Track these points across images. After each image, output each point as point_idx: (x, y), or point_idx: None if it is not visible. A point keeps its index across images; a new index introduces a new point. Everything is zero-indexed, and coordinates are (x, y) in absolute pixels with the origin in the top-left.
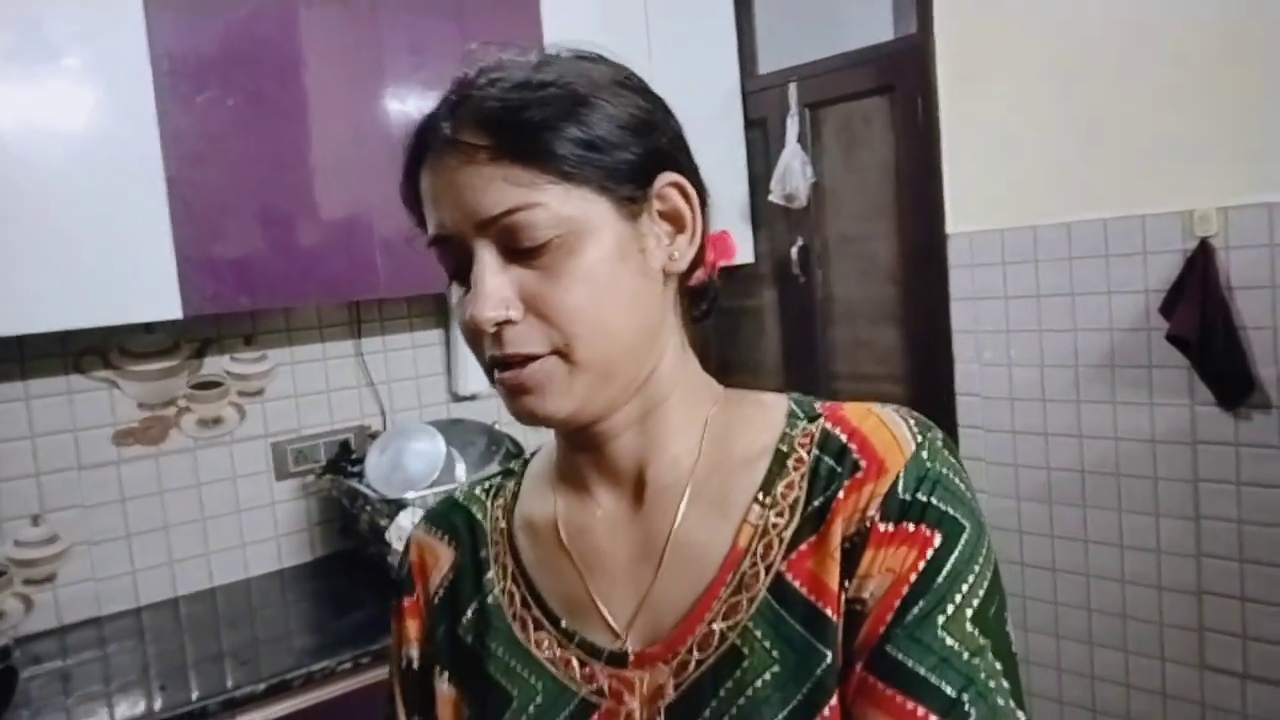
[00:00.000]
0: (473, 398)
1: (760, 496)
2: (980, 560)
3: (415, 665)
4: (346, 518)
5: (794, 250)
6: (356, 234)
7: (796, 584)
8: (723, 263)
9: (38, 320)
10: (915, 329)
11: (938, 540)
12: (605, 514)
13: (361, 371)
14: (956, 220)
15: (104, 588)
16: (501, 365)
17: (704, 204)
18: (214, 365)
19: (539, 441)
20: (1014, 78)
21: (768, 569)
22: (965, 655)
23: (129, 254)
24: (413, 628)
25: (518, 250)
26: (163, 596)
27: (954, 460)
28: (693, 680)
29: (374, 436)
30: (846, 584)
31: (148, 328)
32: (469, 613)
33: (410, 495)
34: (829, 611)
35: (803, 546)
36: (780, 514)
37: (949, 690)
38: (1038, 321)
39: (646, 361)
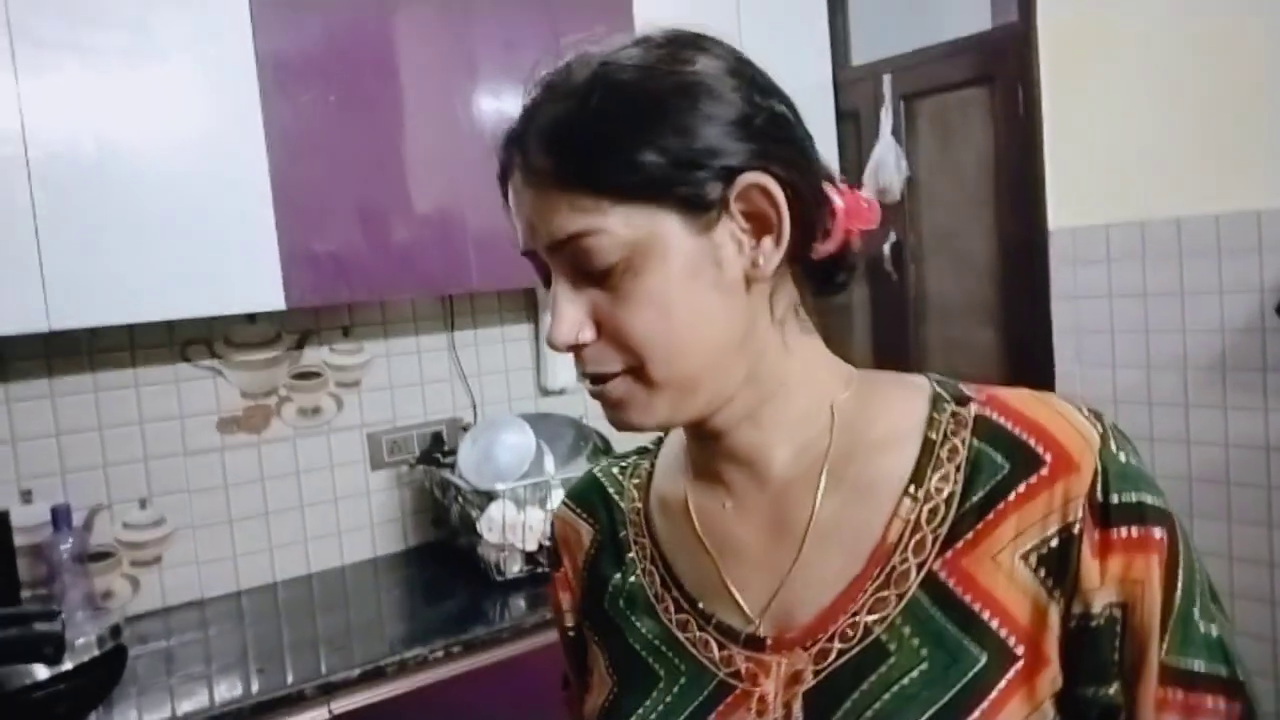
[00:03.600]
0: (561, 392)
1: (911, 489)
2: (1191, 541)
3: (572, 634)
4: (438, 508)
5: (886, 246)
6: (450, 229)
7: (951, 583)
8: (861, 227)
9: (147, 310)
10: (1013, 329)
11: (1163, 538)
12: (735, 500)
13: (454, 364)
14: (1059, 215)
15: (206, 571)
16: (589, 378)
17: (812, 187)
18: (313, 356)
19: (625, 437)
20: (1121, 65)
21: (920, 565)
22: (1217, 633)
23: (234, 247)
24: (565, 599)
25: (588, 272)
26: (262, 581)
27: (1132, 444)
28: (833, 669)
29: (466, 428)
30: (1055, 594)
31: (251, 318)
32: (610, 590)
33: (500, 487)
34: (986, 614)
35: (959, 544)
36: (935, 509)
37: (1224, 671)
38: (1144, 322)
39: (734, 370)
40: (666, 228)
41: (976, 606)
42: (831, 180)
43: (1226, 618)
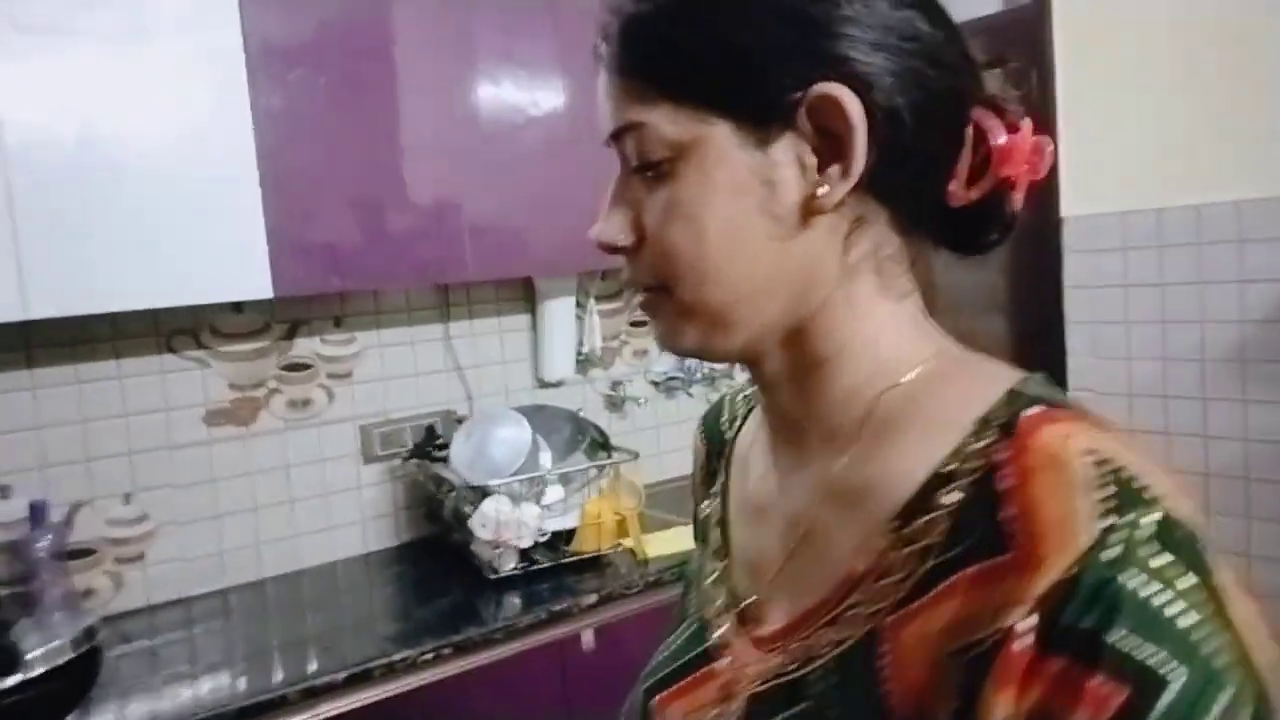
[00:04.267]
0: (559, 384)
1: (897, 524)
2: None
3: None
4: (432, 503)
5: None
6: (445, 217)
7: (886, 658)
8: (1020, 174)
9: (131, 298)
10: (1024, 319)
11: (1115, 699)
12: (778, 467)
13: (448, 355)
14: (1073, 202)
15: (192, 568)
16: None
17: (933, 112)
18: (304, 347)
19: (620, 428)
20: (1138, 48)
21: (872, 615)
22: None
23: (221, 234)
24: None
25: (639, 169)
26: (249, 578)
27: (1172, 563)
28: (774, 685)
29: (460, 421)
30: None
31: (238, 308)
32: (698, 511)
33: (494, 483)
34: (894, 703)
35: (913, 605)
36: (910, 556)
37: None
38: (1161, 312)
39: (774, 313)
40: (714, 134)
41: (889, 689)
42: (998, 109)
43: None
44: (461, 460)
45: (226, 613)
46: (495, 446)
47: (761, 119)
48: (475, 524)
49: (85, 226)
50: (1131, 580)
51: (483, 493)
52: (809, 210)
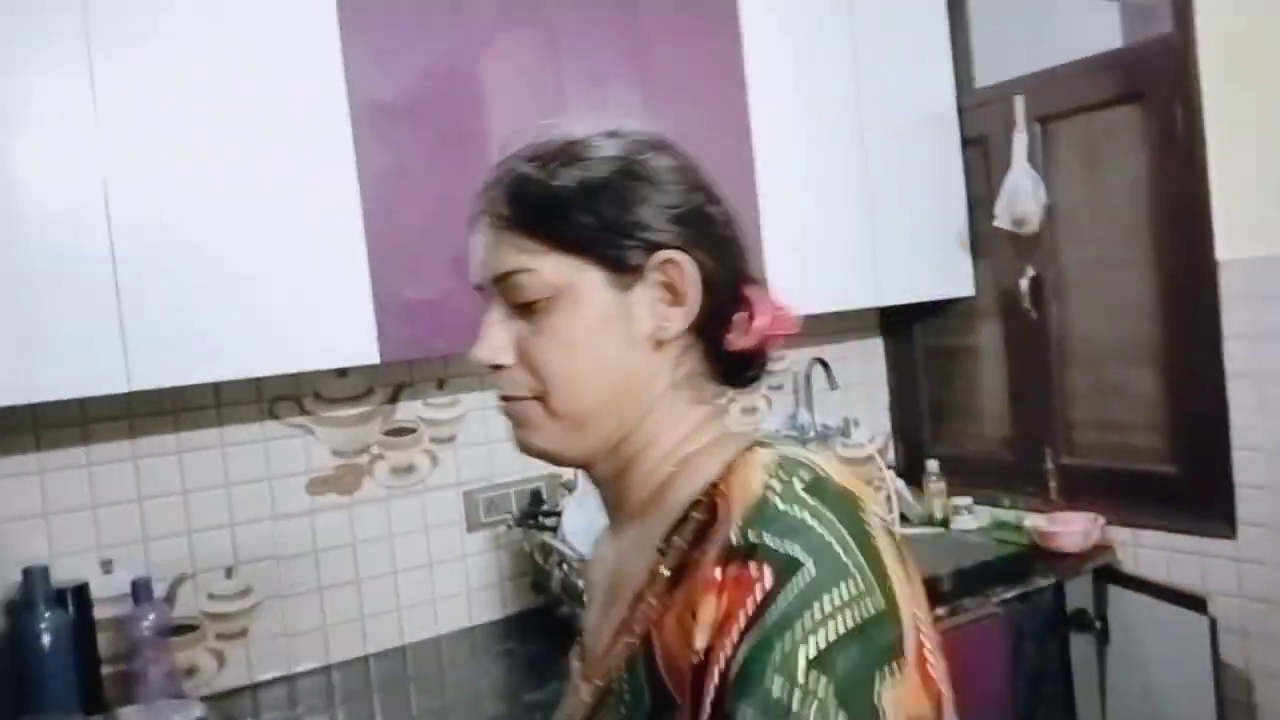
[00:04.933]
0: None
1: (663, 544)
2: (833, 600)
3: None
4: (538, 572)
5: (1024, 281)
6: None
7: (656, 646)
8: (777, 334)
9: (233, 366)
10: (1178, 372)
11: (768, 578)
12: (612, 535)
13: None
14: (1230, 244)
15: (295, 643)
16: (501, 397)
17: (729, 280)
18: (407, 411)
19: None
20: None
21: (646, 618)
22: (792, 701)
23: (326, 298)
24: None
25: (518, 305)
26: (353, 654)
27: (817, 501)
28: (593, 705)
29: (565, 486)
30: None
31: (342, 372)
32: None
33: None
34: (664, 671)
35: (671, 596)
36: (667, 564)
37: None
38: None
39: (625, 417)
40: (588, 280)
41: (663, 671)
42: (756, 285)
43: (835, 702)
44: (574, 531)
45: (330, 691)
46: None
47: (625, 270)
48: None
49: (188, 294)
50: (782, 504)
51: None
52: (655, 339)
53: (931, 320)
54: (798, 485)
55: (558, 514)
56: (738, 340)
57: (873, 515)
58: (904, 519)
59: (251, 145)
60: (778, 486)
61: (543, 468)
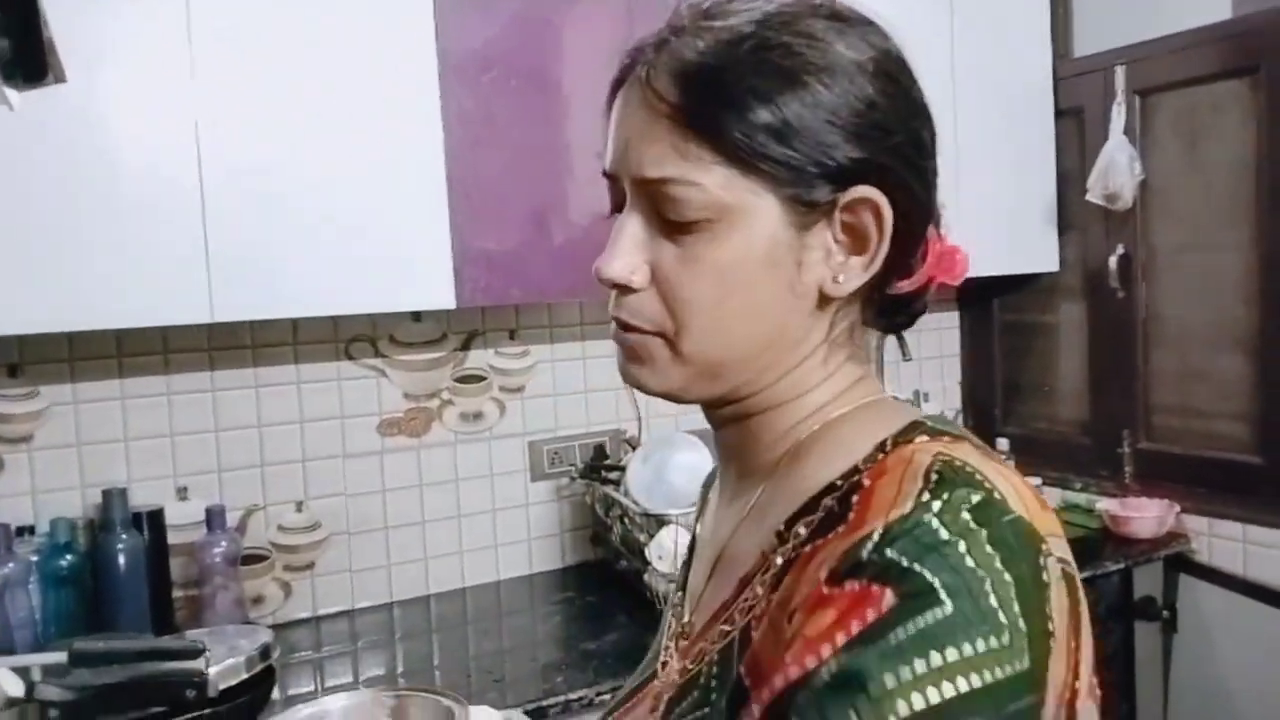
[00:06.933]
0: None
1: (783, 529)
2: (963, 651)
3: None
4: (599, 526)
5: (1112, 259)
6: None
7: (752, 640)
8: (942, 280)
9: (313, 304)
10: (1269, 360)
11: (889, 599)
12: (722, 494)
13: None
14: None
15: (359, 580)
16: (618, 323)
17: (923, 222)
18: (478, 359)
19: None
20: None
21: (749, 610)
22: None
23: (406, 242)
24: None
25: (665, 219)
26: (415, 593)
27: (983, 529)
28: (682, 685)
29: (629, 442)
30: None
31: (417, 317)
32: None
33: (674, 512)
34: (748, 680)
35: (773, 592)
36: (784, 553)
37: None
38: None
39: (767, 372)
40: (763, 207)
41: (748, 663)
42: (936, 223)
43: None
44: (638, 486)
45: (391, 628)
46: (675, 472)
47: (809, 204)
48: (651, 554)
49: (272, 232)
50: (936, 524)
51: (659, 522)
52: (824, 291)
53: (1011, 295)
54: (961, 506)
55: (621, 469)
56: (901, 284)
57: (1052, 557)
58: None
59: (340, 90)
60: (935, 506)
61: (607, 421)
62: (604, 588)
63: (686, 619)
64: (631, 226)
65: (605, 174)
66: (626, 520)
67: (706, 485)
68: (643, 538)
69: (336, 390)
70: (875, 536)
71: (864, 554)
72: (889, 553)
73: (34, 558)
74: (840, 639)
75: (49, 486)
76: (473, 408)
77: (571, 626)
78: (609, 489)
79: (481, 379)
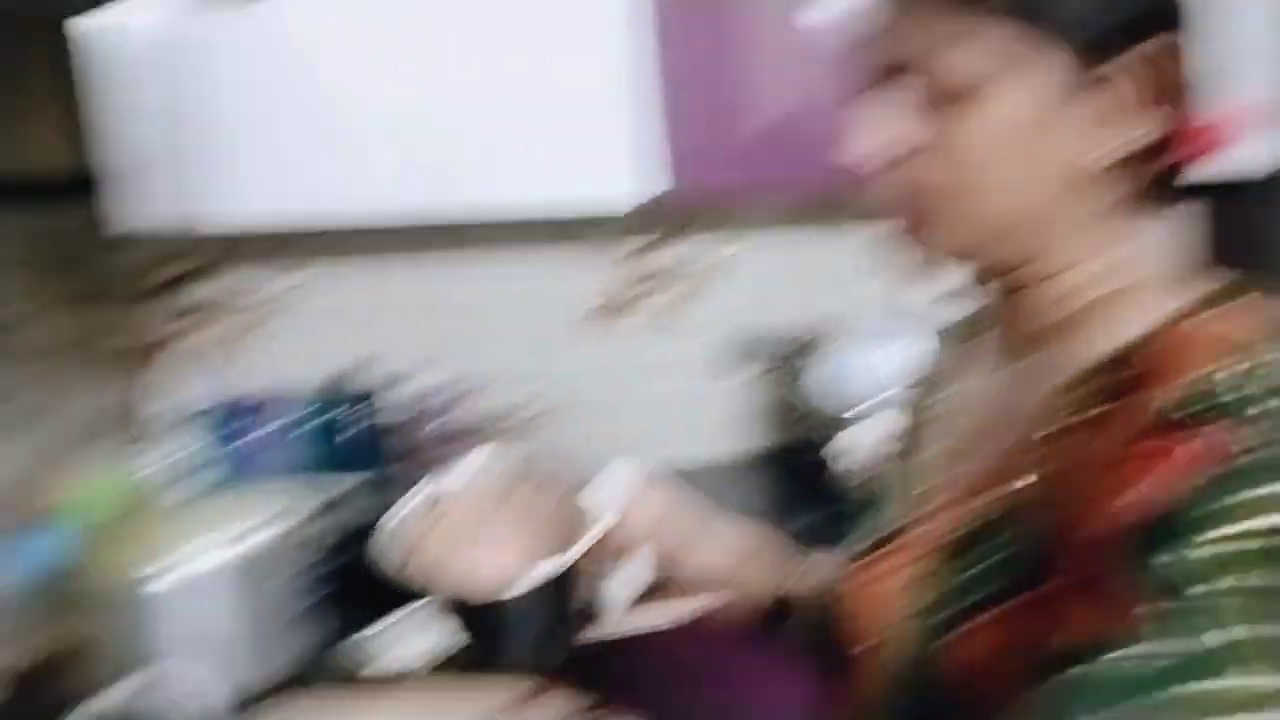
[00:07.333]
0: (929, 306)
1: (1067, 392)
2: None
3: None
4: (794, 417)
5: None
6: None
7: (1052, 503)
8: (1208, 146)
9: (521, 199)
10: None
11: (1225, 439)
12: (988, 368)
13: (821, 267)
14: None
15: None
16: (895, 191)
17: (1185, 95)
18: (680, 250)
19: None
20: None
21: (1040, 464)
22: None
23: (610, 133)
24: None
25: (931, 88)
26: None
27: None
28: (957, 540)
29: (827, 338)
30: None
31: (624, 208)
32: (920, 404)
33: (868, 405)
34: (1054, 543)
35: (1068, 454)
36: (1070, 416)
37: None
38: None
39: (1033, 244)
40: (1053, 61)
41: (1059, 527)
42: (1198, 100)
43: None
44: (833, 379)
45: None
46: (868, 369)
47: (1102, 58)
48: (844, 445)
49: (479, 127)
50: (1263, 370)
51: (845, 420)
52: (1112, 154)
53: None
54: (1268, 371)
55: (818, 363)
56: (1168, 158)
57: None
58: None
59: None
60: (1239, 365)
61: (807, 315)
62: (797, 478)
63: (937, 481)
64: (900, 96)
65: (864, 47)
66: (816, 416)
67: (939, 361)
68: (831, 432)
69: (545, 276)
70: (1205, 382)
71: (1193, 402)
72: (1229, 397)
73: (276, 427)
74: (1186, 475)
75: (295, 359)
76: (672, 298)
77: (768, 511)
78: (805, 381)
79: (682, 270)
